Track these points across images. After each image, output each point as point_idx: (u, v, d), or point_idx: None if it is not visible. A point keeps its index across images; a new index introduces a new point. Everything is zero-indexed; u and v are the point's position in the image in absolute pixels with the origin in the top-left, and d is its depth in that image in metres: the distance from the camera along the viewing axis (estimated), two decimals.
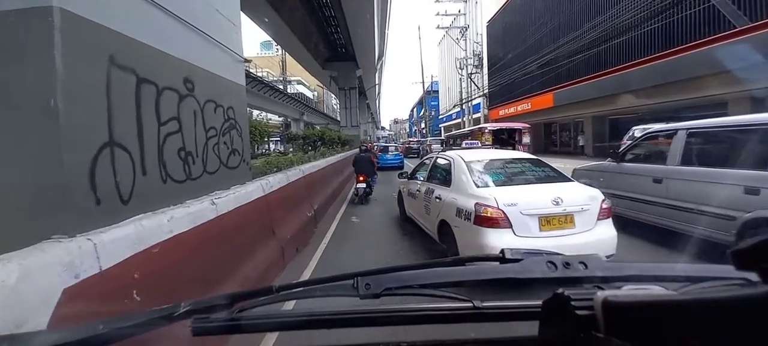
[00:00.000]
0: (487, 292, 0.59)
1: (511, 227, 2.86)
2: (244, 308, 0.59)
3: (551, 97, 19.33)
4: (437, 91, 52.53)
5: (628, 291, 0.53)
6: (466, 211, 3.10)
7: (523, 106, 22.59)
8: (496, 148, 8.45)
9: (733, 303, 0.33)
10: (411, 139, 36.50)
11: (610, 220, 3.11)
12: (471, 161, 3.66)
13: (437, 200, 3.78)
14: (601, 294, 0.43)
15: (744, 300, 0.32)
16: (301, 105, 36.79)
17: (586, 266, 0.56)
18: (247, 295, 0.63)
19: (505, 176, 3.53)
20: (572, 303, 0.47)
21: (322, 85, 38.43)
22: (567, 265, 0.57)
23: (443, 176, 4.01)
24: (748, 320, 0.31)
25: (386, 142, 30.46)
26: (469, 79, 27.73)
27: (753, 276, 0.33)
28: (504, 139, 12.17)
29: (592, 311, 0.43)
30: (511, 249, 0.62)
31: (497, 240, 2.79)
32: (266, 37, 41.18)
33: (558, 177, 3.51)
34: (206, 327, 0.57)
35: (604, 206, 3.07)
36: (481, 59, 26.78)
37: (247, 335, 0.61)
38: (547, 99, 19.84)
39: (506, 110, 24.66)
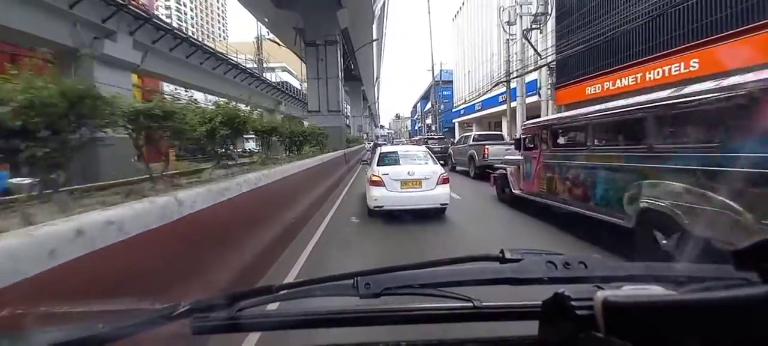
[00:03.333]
0: (487, 292, 0.59)
1: (384, 186, 5.62)
2: (244, 307, 0.60)
3: None
4: (451, 82, 41.79)
5: (628, 291, 0.51)
6: (368, 178, 6.01)
7: (675, 68, 9.41)
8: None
9: (733, 303, 0.33)
10: (430, 136, 25.29)
11: (446, 184, 5.81)
12: (382, 152, 6.73)
13: (365, 174, 7.00)
14: (601, 294, 0.43)
15: (744, 300, 0.32)
16: (278, 92, 30.13)
17: (586, 266, 0.57)
18: (246, 294, 0.63)
19: (394, 159, 6.33)
20: (572, 303, 0.47)
21: (281, 41, 28.21)
22: (567, 265, 0.57)
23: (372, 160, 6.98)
24: (748, 320, 0.31)
25: (382, 141, 32.34)
26: (523, 40, 17.00)
27: (753, 276, 0.33)
28: None
29: (592, 311, 0.43)
30: (511, 249, 0.61)
31: (377, 192, 5.62)
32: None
33: (425, 159, 6.36)
34: (206, 326, 0.57)
35: (443, 176, 5.79)
36: (547, 1, 16.09)
37: (245, 335, 0.66)
38: None
39: (606, 85, 12.65)
